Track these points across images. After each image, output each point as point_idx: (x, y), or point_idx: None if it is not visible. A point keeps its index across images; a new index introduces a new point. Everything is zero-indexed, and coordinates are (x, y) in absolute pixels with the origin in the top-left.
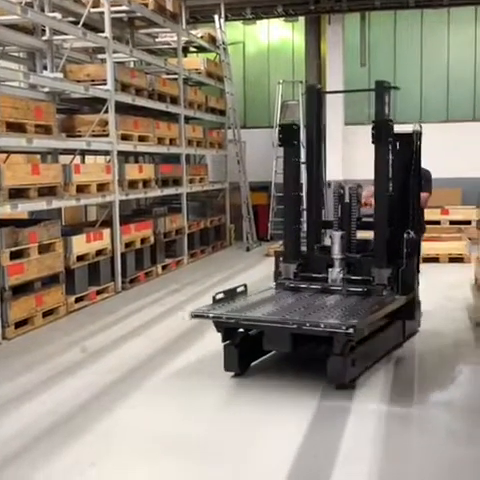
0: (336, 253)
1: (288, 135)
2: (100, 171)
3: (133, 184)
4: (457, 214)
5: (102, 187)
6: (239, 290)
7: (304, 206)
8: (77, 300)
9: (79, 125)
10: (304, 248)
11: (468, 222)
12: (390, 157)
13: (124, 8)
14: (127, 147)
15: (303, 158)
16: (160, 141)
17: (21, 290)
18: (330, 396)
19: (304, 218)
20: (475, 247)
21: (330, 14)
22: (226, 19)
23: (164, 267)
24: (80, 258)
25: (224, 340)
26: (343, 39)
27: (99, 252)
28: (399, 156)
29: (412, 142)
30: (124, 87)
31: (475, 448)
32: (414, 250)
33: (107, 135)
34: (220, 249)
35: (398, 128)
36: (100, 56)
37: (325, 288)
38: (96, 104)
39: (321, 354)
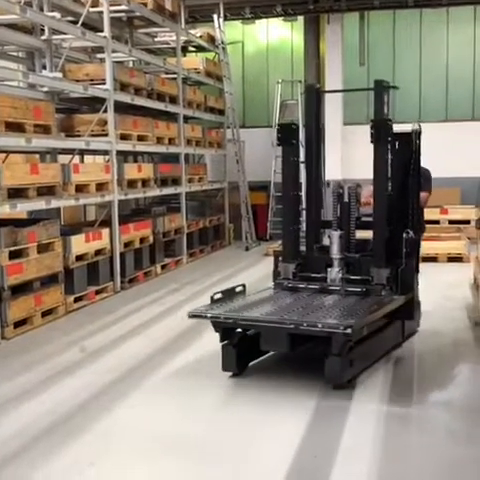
0: (335, 253)
1: (287, 134)
2: (99, 171)
3: (132, 184)
4: (456, 213)
5: (101, 187)
6: (237, 290)
7: (303, 206)
8: (76, 300)
9: (78, 125)
10: (303, 248)
11: (467, 221)
12: (389, 156)
13: (123, 7)
14: (126, 147)
15: (302, 158)
16: (159, 141)
17: (20, 290)
18: (329, 396)
19: (303, 218)
20: (474, 246)
21: (329, 13)
22: (225, 19)
23: (163, 267)
24: (79, 258)
25: (222, 340)
26: (342, 39)
27: (98, 252)
28: (398, 155)
29: (411, 141)
30: (123, 87)
31: (474, 448)
32: (413, 250)
33: (106, 135)
34: (219, 249)
35: (397, 128)
36: (99, 56)
37: (324, 288)
38: (95, 104)
39: (319, 354)
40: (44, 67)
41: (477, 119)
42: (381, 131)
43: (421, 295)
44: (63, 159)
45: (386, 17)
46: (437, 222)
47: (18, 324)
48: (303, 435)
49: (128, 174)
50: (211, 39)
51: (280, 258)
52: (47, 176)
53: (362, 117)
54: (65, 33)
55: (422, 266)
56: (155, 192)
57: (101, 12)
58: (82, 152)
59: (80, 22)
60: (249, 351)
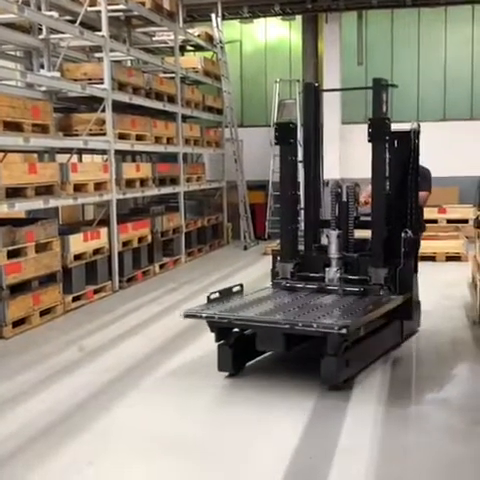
0: (333, 252)
1: (284, 133)
2: (97, 170)
3: (130, 183)
4: (454, 213)
5: (99, 186)
6: (235, 290)
7: (301, 205)
8: (74, 299)
9: (76, 124)
10: (302, 247)
11: (465, 221)
12: (387, 155)
13: (121, 7)
14: (124, 146)
15: (300, 157)
16: (157, 140)
17: (18, 289)
18: (326, 397)
19: (301, 217)
20: (472, 246)
21: (327, 13)
22: (223, 18)
23: (162, 266)
24: (77, 257)
25: (218, 340)
26: (340, 38)
27: (96, 251)
28: (397, 154)
29: (410, 140)
30: (121, 86)
31: (473, 447)
32: (412, 249)
33: (104, 134)
34: (217, 248)
35: (395, 127)
36: (97, 55)
37: (322, 288)
38: (93, 103)
39: (316, 354)
40: (42, 66)
41: (475, 118)
42: (379, 130)
43: (420, 294)
44: (61, 158)
45: (384, 16)
46: (435, 221)
47: (16, 323)
48: (300, 436)
49: (126, 173)
50: (209, 38)
51: (278, 258)
52: (45, 175)
53: (360, 116)
54: (63, 32)
55: (420, 265)
56: (153, 191)
57: (99, 11)
58: (80, 151)
59: (78, 21)
60: (245, 351)
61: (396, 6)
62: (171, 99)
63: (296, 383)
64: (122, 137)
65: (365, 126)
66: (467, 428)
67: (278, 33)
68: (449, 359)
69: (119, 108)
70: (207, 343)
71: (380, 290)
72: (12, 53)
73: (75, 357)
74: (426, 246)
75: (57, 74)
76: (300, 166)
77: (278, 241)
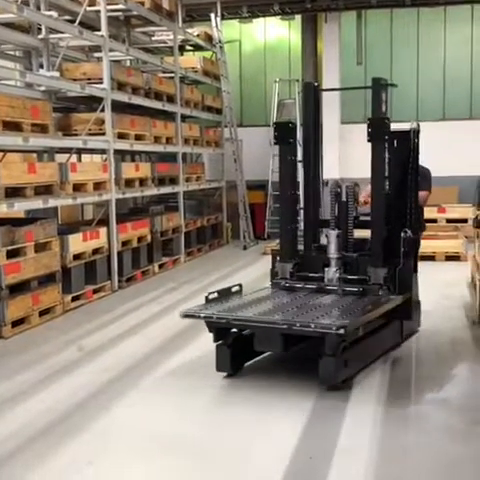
0: (332, 252)
1: (284, 133)
2: (96, 170)
3: (130, 183)
4: (454, 212)
5: (98, 186)
6: (234, 290)
7: (301, 205)
8: (73, 299)
9: (75, 124)
10: (301, 247)
11: (464, 220)
12: (387, 155)
13: (120, 6)
14: (123, 146)
15: (300, 156)
16: (156, 140)
17: (17, 289)
18: (325, 397)
19: (301, 217)
20: (471, 245)
21: (327, 12)
22: (222, 17)
23: (161, 266)
24: (76, 257)
25: (216, 340)
26: (339, 37)
27: (95, 251)
28: (396, 154)
29: (409, 140)
30: (120, 86)
31: (472, 446)
32: (411, 249)
33: (103, 134)
34: (217, 247)
35: (395, 126)
36: (96, 55)
37: (321, 288)
38: (92, 103)
39: (315, 355)
40: (41, 66)
41: (474, 118)
42: (378, 129)
43: (419, 294)
44: (60, 158)
45: (383, 16)
46: (435, 221)
47: (16, 323)
48: (299, 436)
49: (126, 173)
50: (208, 38)
51: (277, 257)
52: (44, 175)
53: (360, 116)
54: (62, 32)
55: (420, 265)
56: (153, 191)
57: (98, 11)
58: (79, 151)
59: (77, 21)
60: (244, 351)
61: (395, 6)
62: (170, 99)
63: (295, 383)
64: (121, 137)
65: (364, 126)
66: (467, 428)
67: (277, 33)
68: (449, 359)
69: (118, 108)
70: (206, 343)
71: (379, 290)
72: (11, 53)
73: (74, 357)
74: (425, 246)
75: (56, 74)
76: (299, 166)
77: (277, 241)
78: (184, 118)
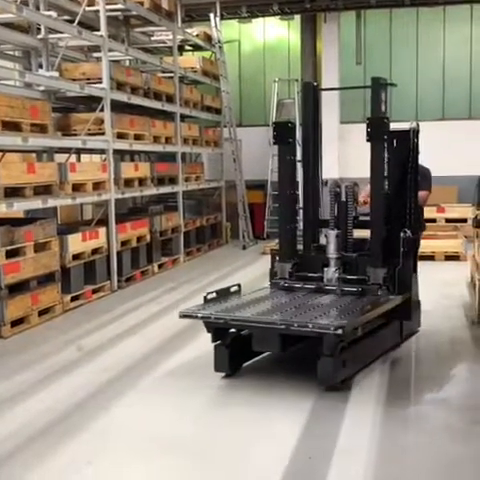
0: (331, 252)
1: (283, 133)
2: (96, 170)
3: (129, 182)
4: (453, 212)
5: (98, 186)
6: (232, 290)
7: (300, 205)
8: (73, 299)
9: (75, 124)
10: (300, 247)
11: (464, 220)
12: (386, 155)
13: (119, 6)
14: (123, 146)
15: (299, 156)
16: (156, 139)
17: (17, 289)
18: (324, 397)
19: (300, 217)
20: (471, 245)
21: (326, 12)
22: (222, 17)
23: (160, 265)
24: (76, 257)
25: (214, 340)
26: (339, 37)
27: (95, 251)
28: (396, 154)
29: (409, 139)
30: (120, 85)
31: (472, 446)
32: (411, 249)
33: (103, 134)
34: (216, 247)
35: (394, 126)
36: (95, 55)
37: (320, 288)
38: (92, 103)
39: (313, 355)
40: (40, 66)
41: (474, 118)
42: (378, 129)
43: (419, 294)
44: (60, 158)
45: (383, 16)
46: (434, 220)
47: (15, 323)
48: (298, 436)
49: (125, 173)
50: (208, 38)
51: (277, 257)
52: (44, 175)
53: (359, 115)
54: (61, 32)
55: (419, 265)
56: (152, 191)
57: (97, 11)
58: (79, 151)
59: (76, 21)
60: (242, 352)
61: (395, 6)
62: (170, 99)
63: (294, 384)
64: (120, 137)
65: (364, 125)
66: (466, 428)
67: (277, 33)
68: (448, 359)
69: (117, 108)
70: (205, 343)
71: (378, 290)
72: (11, 53)
73: (74, 357)
74: (425, 245)
75: (55, 74)
76: (299, 165)
77: (277, 241)
78: (183, 118)
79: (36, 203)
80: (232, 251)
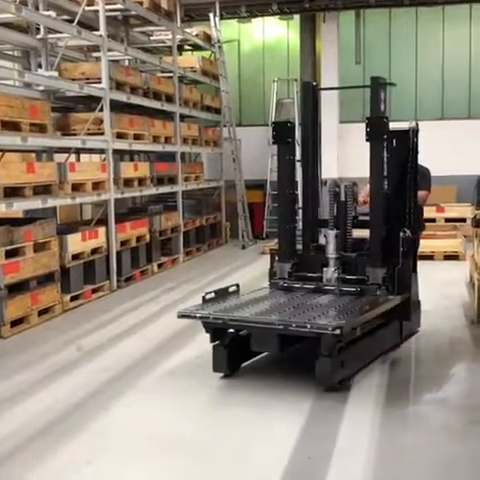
0: (331, 252)
1: (282, 133)
2: (95, 169)
3: (128, 182)
4: (452, 212)
5: (97, 185)
6: (231, 290)
7: (299, 204)
8: (72, 299)
9: (74, 123)
10: (300, 247)
11: (463, 220)
12: (385, 155)
13: (119, 6)
14: (122, 145)
15: (298, 156)
16: (155, 139)
17: (16, 289)
18: (323, 397)
19: (299, 216)
20: (470, 245)
21: (325, 12)
22: (221, 17)
23: (160, 265)
24: (75, 257)
25: (213, 340)
26: (338, 37)
27: (94, 250)
28: (395, 153)
29: (408, 139)
30: (119, 85)
31: (471, 446)
32: (410, 249)
33: (102, 133)
34: (216, 247)
35: (393, 126)
36: (95, 54)
37: (319, 288)
38: (91, 102)
39: (312, 355)
40: (40, 66)
41: (473, 117)
42: (377, 129)
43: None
44: (59, 158)
45: (382, 15)
46: (433, 220)
47: (15, 323)
48: (297, 437)
49: (124, 173)
50: (207, 38)
51: (276, 257)
52: (43, 175)
53: (358, 115)
54: (61, 32)
55: (418, 264)
56: (151, 191)
57: (97, 11)
58: (78, 151)
59: (76, 21)
60: (241, 352)
61: (394, 5)
62: (169, 98)
63: (292, 384)
64: (120, 136)
65: (363, 125)
66: (465, 427)
67: (276, 32)
68: (447, 359)
69: (117, 107)
70: (204, 343)
71: (377, 290)
72: (10, 53)
73: (73, 357)
74: (424, 245)
75: (55, 74)
76: (298, 165)
77: (276, 240)
78: (183, 118)
79: (36, 203)
80: (231, 251)
